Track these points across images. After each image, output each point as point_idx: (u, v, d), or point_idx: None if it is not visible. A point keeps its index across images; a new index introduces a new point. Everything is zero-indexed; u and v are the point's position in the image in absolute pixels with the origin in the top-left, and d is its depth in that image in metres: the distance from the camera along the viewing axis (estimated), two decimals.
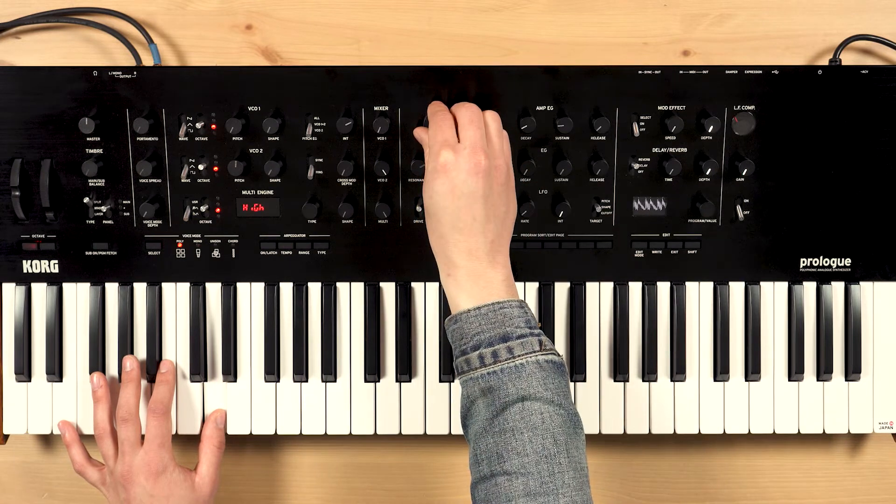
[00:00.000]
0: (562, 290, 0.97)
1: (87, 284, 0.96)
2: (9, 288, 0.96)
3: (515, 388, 0.76)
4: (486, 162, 0.80)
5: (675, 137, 0.93)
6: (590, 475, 0.79)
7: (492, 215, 0.81)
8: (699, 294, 0.97)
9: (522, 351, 0.77)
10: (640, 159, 0.94)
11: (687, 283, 0.96)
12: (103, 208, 0.94)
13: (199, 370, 0.96)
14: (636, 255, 0.96)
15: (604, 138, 0.93)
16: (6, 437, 0.97)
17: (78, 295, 0.96)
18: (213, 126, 0.93)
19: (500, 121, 0.86)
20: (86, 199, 0.94)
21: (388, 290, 0.97)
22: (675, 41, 0.99)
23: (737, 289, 0.97)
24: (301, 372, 0.96)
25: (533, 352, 0.77)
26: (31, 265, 0.95)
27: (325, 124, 0.92)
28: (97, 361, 0.96)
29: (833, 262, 0.95)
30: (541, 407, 0.75)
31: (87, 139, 0.93)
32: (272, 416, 0.96)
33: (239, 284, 0.96)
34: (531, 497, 0.72)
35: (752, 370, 0.96)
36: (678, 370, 0.96)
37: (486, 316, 0.78)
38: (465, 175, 0.80)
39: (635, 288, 0.96)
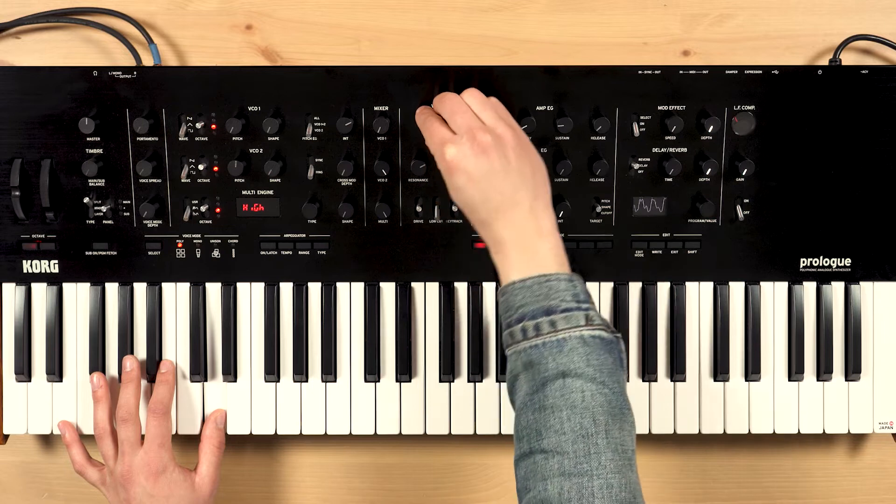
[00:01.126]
0: None
1: (87, 284, 0.96)
2: (9, 288, 0.96)
3: (556, 363, 0.73)
4: (487, 138, 0.79)
5: (675, 137, 0.93)
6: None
7: (519, 183, 0.79)
8: (699, 294, 0.97)
9: (566, 325, 0.74)
10: (640, 159, 0.94)
11: (687, 283, 0.96)
12: (103, 208, 0.93)
13: (199, 370, 0.96)
14: (636, 255, 0.95)
15: (604, 138, 0.93)
16: (6, 437, 0.97)
17: (78, 295, 0.96)
18: (213, 126, 0.93)
19: (480, 93, 0.84)
20: (86, 199, 0.94)
21: (388, 290, 0.97)
22: (675, 41, 1.00)
23: (737, 289, 0.97)
24: (301, 372, 0.96)
25: (577, 326, 0.74)
26: (31, 265, 0.95)
27: (325, 124, 0.92)
28: (97, 361, 0.96)
29: (833, 262, 0.95)
30: (582, 384, 0.72)
31: (87, 139, 0.93)
32: (272, 416, 0.96)
33: (239, 284, 0.96)
34: (565, 477, 0.70)
35: (752, 370, 0.96)
36: (678, 370, 0.96)
37: (532, 288, 0.76)
38: (474, 159, 0.78)
39: (635, 288, 0.96)
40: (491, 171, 0.78)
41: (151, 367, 0.96)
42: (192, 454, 0.96)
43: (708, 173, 0.93)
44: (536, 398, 0.74)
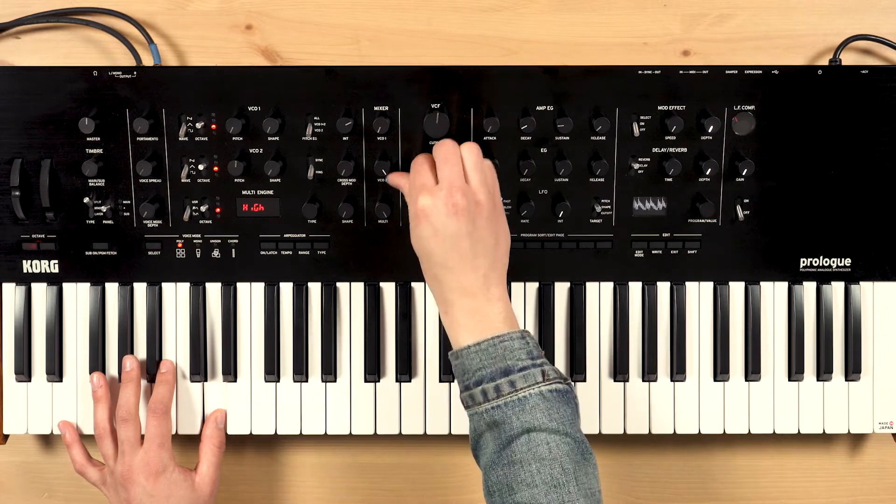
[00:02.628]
0: (562, 290, 0.97)
1: (87, 284, 0.96)
2: (9, 288, 0.96)
3: (520, 420, 0.76)
4: (463, 201, 0.80)
5: (675, 137, 0.93)
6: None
7: (480, 250, 0.81)
8: (699, 294, 0.97)
9: (525, 384, 0.77)
10: (640, 159, 0.94)
11: (687, 283, 0.96)
12: (103, 208, 0.94)
13: (199, 370, 0.96)
14: (636, 255, 0.96)
15: (604, 138, 0.93)
16: (6, 437, 0.98)
17: (78, 295, 0.96)
18: (213, 126, 0.93)
19: (480, 152, 0.85)
20: (86, 199, 0.94)
21: (388, 290, 0.97)
22: (675, 41, 1.00)
23: (737, 289, 0.97)
24: (301, 372, 0.96)
25: (536, 383, 0.77)
26: (31, 265, 0.95)
27: (325, 124, 0.92)
28: (97, 361, 0.96)
29: (833, 262, 0.96)
30: (546, 437, 0.75)
31: (87, 139, 0.93)
32: (272, 416, 0.97)
33: (239, 284, 0.96)
34: None
35: (752, 370, 0.96)
36: (678, 370, 0.96)
37: (487, 351, 0.79)
38: (445, 217, 0.80)
39: (635, 288, 0.96)
40: (457, 233, 0.80)
41: (151, 367, 0.96)
42: (193, 454, 0.96)
43: (708, 173, 0.93)
44: (504, 455, 0.75)
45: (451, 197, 0.80)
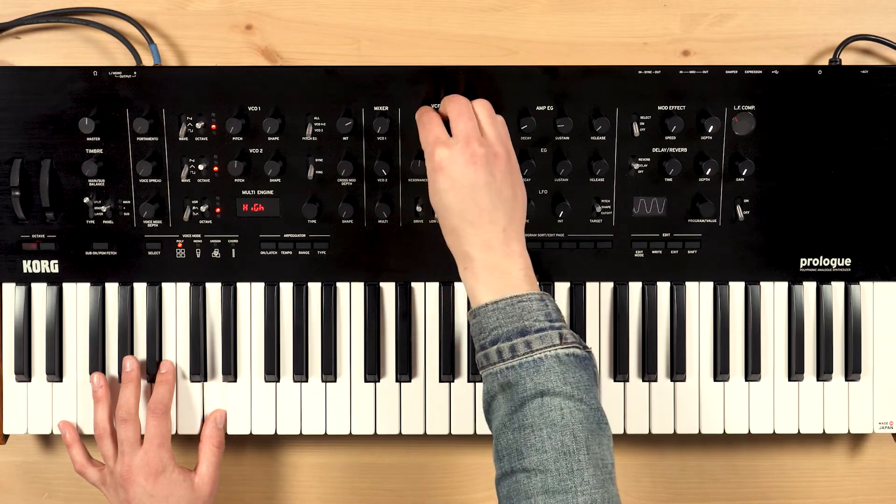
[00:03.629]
0: (562, 290, 0.97)
1: (87, 284, 0.96)
2: (9, 288, 0.96)
3: (533, 382, 0.74)
4: (481, 150, 0.79)
5: (675, 137, 0.93)
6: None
7: (498, 202, 0.79)
8: (699, 294, 0.97)
9: (541, 345, 0.75)
10: (640, 159, 0.94)
11: (687, 283, 0.96)
12: (103, 208, 0.94)
13: (199, 370, 0.96)
14: (636, 255, 0.96)
15: (604, 138, 0.93)
16: (6, 437, 0.98)
17: (78, 295, 0.96)
18: (213, 126, 0.93)
19: (492, 107, 0.84)
20: (86, 199, 0.94)
21: (388, 290, 0.97)
22: (675, 41, 1.00)
23: (737, 289, 0.97)
24: (301, 372, 0.96)
25: (552, 346, 0.75)
26: (31, 265, 0.95)
27: (325, 124, 0.92)
28: (97, 361, 0.96)
29: (833, 262, 0.96)
30: (560, 402, 0.73)
31: (87, 139, 0.93)
32: (272, 416, 0.97)
33: (239, 284, 0.96)
34: (549, 494, 0.71)
35: (752, 370, 0.96)
36: (678, 370, 0.96)
37: (504, 310, 0.77)
38: (463, 167, 0.79)
39: (635, 288, 0.97)
40: (475, 183, 0.79)
41: (151, 368, 0.96)
42: (192, 454, 0.96)
43: (708, 173, 0.93)
44: (516, 418, 0.74)
45: (469, 147, 0.79)
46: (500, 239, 0.79)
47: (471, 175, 0.79)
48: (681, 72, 0.92)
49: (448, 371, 0.96)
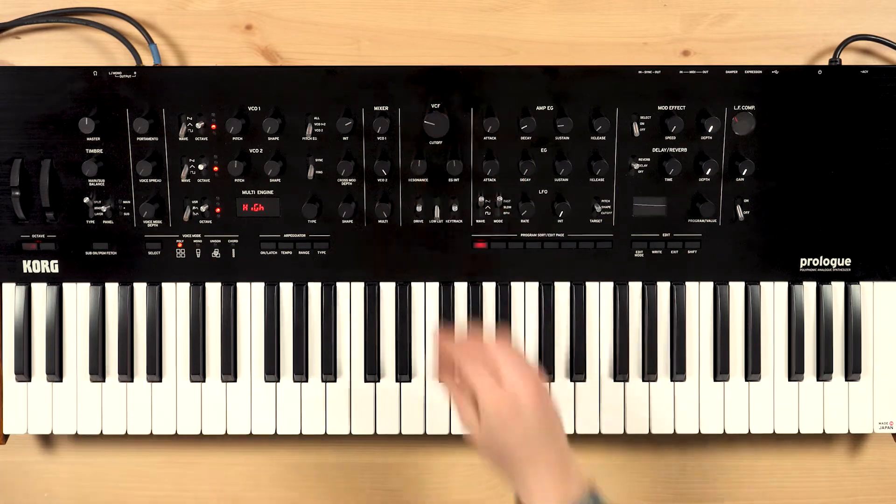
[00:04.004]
0: (562, 290, 0.97)
1: (87, 284, 0.96)
2: (9, 288, 0.96)
3: None
4: (505, 409, 0.74)
5: (675, 137, 0.93)
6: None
7: (539, 442, 0.75)
8: (699, 294, 0.97)
9: None
10: (640, 159, 0.94)
11: (687, 283, 0.96)
12: (103, 208, 0.94)
13: (199, 370, 0.96)
14: (636, 255, 0.96)
15: (604, 138, 0.93)
16: (6, 437, 0.97)
17: (78, 295, 0.96)
18: (213, 126, 0.93)
19: (510, 347, 0.77)
20: (86, 199, 0.94)
21: (388, 290, 0.97)
22: (675, 41, 1.00)
23: (737, 289, 0.97)
24: (301, 372, 0.96)
25: None
26: (31, 265, 0.95)
27: (325, 124, 0.93)
28: (97, 362, 0.96)
29: (833, 262, 0.96)
30: None
31: (87, 139, 0.93)
32: (272, 416, 0.97)
33: (239, 284, 0.96)
34: None
35: (752, 370, 0.96)
36: (678, 370, 0.96)
37: None
38: (496, 437, 0.75)
39: (635, 288, 0.97)
40: (509, 442, 0.75)
41: (152, 367, 0.96)
42: (194, 454, 0.97)
43: (708, 173, 0.93)
44: None
45: (497, 416, 0.74)
46: (557, 472, 0.75)
47: (502, 438, 0.75)
48: (681, 72, 0.92)
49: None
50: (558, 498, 0.75)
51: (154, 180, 0.94)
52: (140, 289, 0.96)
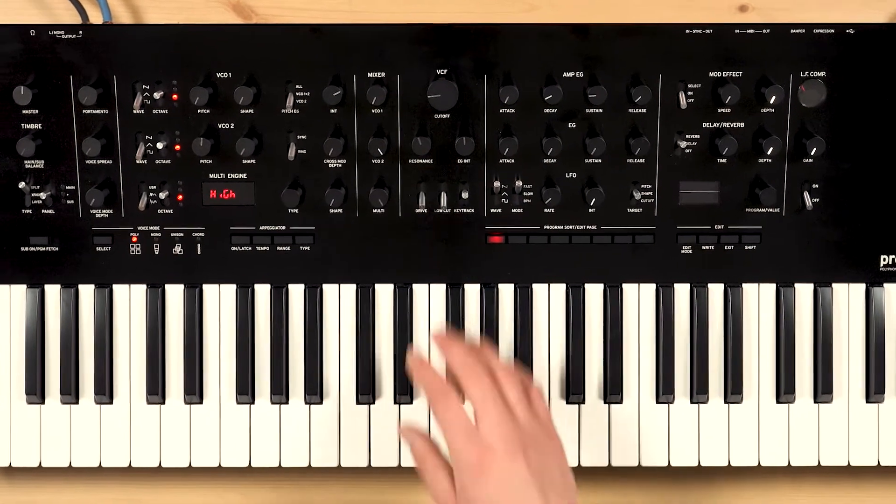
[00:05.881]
0: (594, 293, 0.96)
1: (23, 286, 0.95)
2: None
3: None
4: (519, 442, 0.77)
5: (729, 110, 0.93)
6: None
7: (550, 493, 0.76)
8: (759, 298, 0.96)
9: None
10: (687, 136, 0.93)
11: (744, 285, 0.96)
12: (42, 195, 0.93)
13: (157, 390, 0.95)
14: (683, 252, 0.95)
15: (644, 111, 0.93)
16: None
17: (12, 299, 0.95)
18: (175, 96, 0.93)
19: (511, 370, 0.81)
20: (21, 185, 0.93)
21: (385, 293, 0.96)
22: None
23: (804, 291, 0.96)
24: (280, 392, 0.95)
25: None
26: None
27: (308, 94, 0.92)
28: (34, 380, 0.95)
29: None
30: None
31: (23, 112, 0.92)
32: (246, 444, 0.96)
33: (205, 286, 0.96)
34: None
35: (823, 390, 0.95)
36: (734, 390, 0.95)
37: None
38: (507, 463, 0.76)
39: (682, 291, 0.96)
40: (525, 480, 0.76)
41: (101, 386, 0.95)
42: (150, 491, 0.97)
43: (769, 153, 0.92)
44: None
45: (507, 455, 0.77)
46: None
47: (515, 470, 0.76)
48: (737, 31, 0.92)
49: (457, 391, 0.92)
50: None
51: (103, 162, 0.93)
52: (87, 291, 0.96)
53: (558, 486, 0.78)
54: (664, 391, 0.95)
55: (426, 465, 0.81)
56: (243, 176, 0.93)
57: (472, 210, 0.94)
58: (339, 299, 0.96)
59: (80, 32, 0.91)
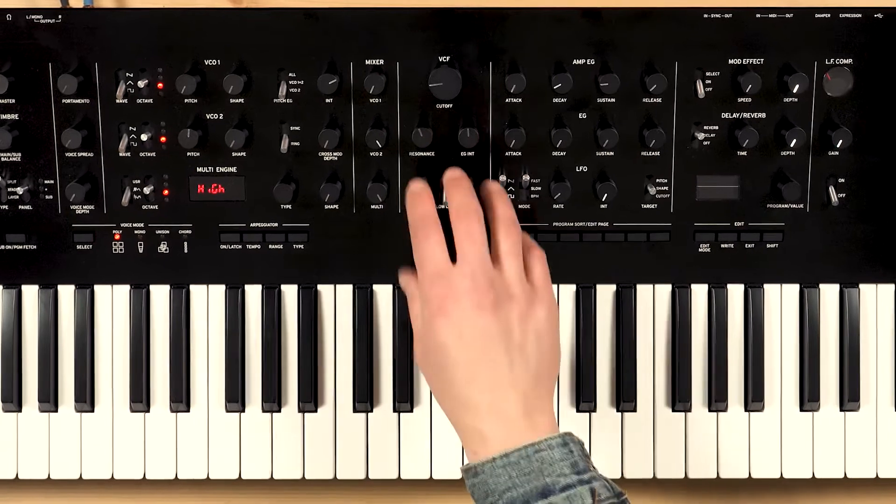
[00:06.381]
0: (605, 294, 0.96)
1: None
2: None
3: None
4: (492, 294, 0.78)
5: (750, 100, 0.92)
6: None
7: (518, 359, 0.78)
8: (781, 300, 0.96)
9: None
10: (705, 127, 0.93)
11: (766, 286, 0.96)
12: (19, 190, 0.93)
13: (142, 397, 0.95)
14: (700, 250, 0.95)
15: (659, 100, 0.92)
16: None
17: None
18: (160, 85, 0.92)
19: (514, 220, 0.83)
20: None
21: (384, 293, 0.96)
22: None
23: (829, 292, 0.96)
24: (272, 399, 0.95)
25: None
26: None
27: (302, 82, 0.92)
28: (10, 386, 0.94)
29: None
30: None
31: None
32: (236, 455, 0.96)
33: (193, 287, 0.96)
34: None
35: (850, 397, 0.95)
36: (755, 397, 0.95)
37: (518, 465, 0.75)
38: (471, 311, 0.78)
39: (699, 291, 0.96)
40: (487, 332, 0.78)
41: (81, 393, 0.94)
42: (137, 500, 0.97)
43: (792, 145, 0.91)
44: None
45: (476, 284, 0.78)
46: (522, 409, 0.77)
47: (482, 322, 0.78)
48: (758, 15, 0.92)
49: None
50: (513, 431, 0.76)
51: (84, 154, 0.93)
52: (66, 292, 0.96)
53: (530, 355, 0.79)
54: (680, 399, 0.95)
55: (417, 224, 0.82)
56: (233, 170, 0.93)
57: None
58: (335, 301, 0.96)
59: (60, 17, 0.91)
